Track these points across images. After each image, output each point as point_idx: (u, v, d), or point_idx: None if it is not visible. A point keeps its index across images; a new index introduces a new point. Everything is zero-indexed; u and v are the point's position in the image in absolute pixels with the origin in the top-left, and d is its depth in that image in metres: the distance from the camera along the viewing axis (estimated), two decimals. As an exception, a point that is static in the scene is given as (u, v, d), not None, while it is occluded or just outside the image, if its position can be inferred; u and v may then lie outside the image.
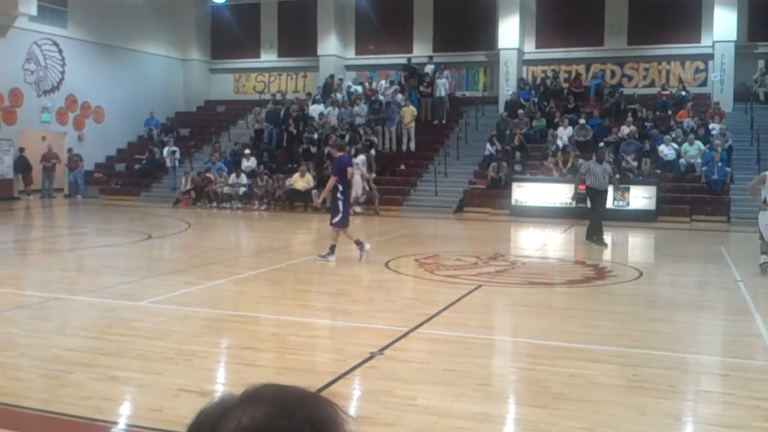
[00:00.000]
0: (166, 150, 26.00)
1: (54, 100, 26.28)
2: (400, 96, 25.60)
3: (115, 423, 4.97)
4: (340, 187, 11.82)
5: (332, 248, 11.89)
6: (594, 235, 14.88)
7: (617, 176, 16.52)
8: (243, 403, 1.06)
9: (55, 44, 26.20)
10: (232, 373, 6.11)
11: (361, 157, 21.35)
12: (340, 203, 11.79)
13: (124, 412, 5.25)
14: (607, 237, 14.96)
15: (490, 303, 9.39)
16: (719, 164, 20.21)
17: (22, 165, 24.68)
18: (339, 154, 12.57)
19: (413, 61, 27.90)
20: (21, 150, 24.66)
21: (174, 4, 30.99)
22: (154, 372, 5.82)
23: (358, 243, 11.91)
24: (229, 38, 31.94)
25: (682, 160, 21.24)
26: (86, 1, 26.84)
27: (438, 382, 5.71)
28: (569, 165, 21.08)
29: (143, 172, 26.77)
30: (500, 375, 6.27)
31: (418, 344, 6.97)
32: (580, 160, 15.88)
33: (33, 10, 24.34)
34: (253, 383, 1.11)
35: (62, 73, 26.57)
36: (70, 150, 26.37)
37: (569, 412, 5.07)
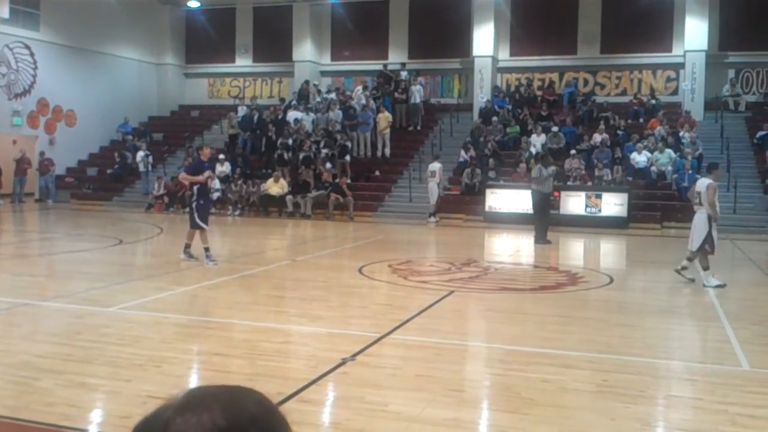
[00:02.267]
0: (139, 155, 25.78)
1: (25, 104, 25.98)
2: (373, 102, 25.65)
3: (83, 430, 4.90)
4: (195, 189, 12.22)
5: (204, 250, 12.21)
6: (543, 238, 15.84)
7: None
8: (185, 411, 1.04)
9: (27, 47, 25.90)
10: (203, 379, 6.06)
11: (437, 165, 21.25)
12: (194, 204, 12.19)
13: (92, 419, 5.19)
14: (574, 242, 15.17)
15: (462, 309, 9.41)
16: (690, 172, 20.46)
17: (-8, 169, 24.36)
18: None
19: (389, 67, 27.96)
20: (-9, 154, 24.35)
21: (148, 8, 30.80)
22: (122, 379, 5.76)
23: (206, 249, 12.13)
24: (204, 43, 31.78)
25: (653, 168, 21.49)
26: (59, 4, 26.58)
27: (410, 387, 5.71)
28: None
29: (115, 177, 26.53)
30: (472, 380, 6.29)
31: (390, 350, 6.97)
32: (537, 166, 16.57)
33: (5, 13, 24.08)
34: (187, 388, 1.09)
35: (34, 76, 26.27)
36: (41, 154, 26.07)
37: (540, 417, 5.10)
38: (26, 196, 25.61)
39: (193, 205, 12.24)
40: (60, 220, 21.49)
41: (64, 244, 16.02)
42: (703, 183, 10.94)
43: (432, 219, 21.00)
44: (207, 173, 12.23)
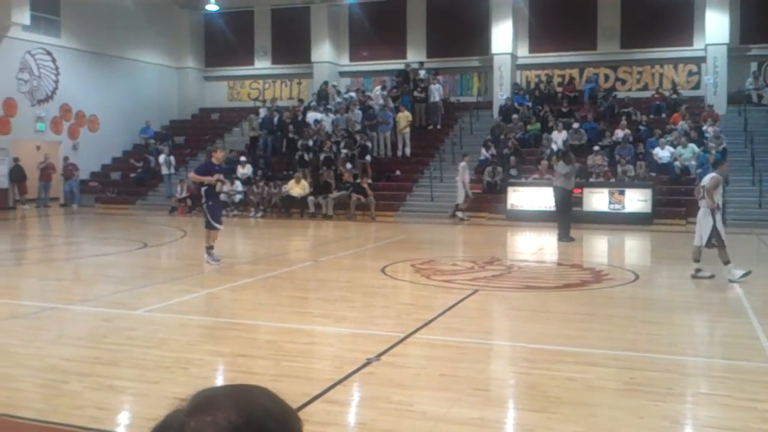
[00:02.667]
0: (161, 158, 25.98)
1: (48, 110, 26.26)
2: (392, 101, 25.65)
3: (112, 432, 4.95)
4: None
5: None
6: (566, 235, 15.75)
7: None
8: (198, 412, 1.04)
9: (49, 53, 26.18)
10: (229, 381, 6.09)
11: (462, 163, 21.24)
12: (205, 206, 12.40)
13: (120, 422, 5.24)
14: (598, 239, 15.06)
15: (486, 307, 9.38)
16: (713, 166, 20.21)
17: (17, 174, 24.66)
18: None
19: (417, 67, 27.96)
20: (16, 160, 24.65)
21: (167, 13, 31.03)
22: (150, 381, 5.81)
23: (211, 248, 12.35)
24: (223, 46, 31.96)
25: (676, 163, 21.29)
26: (79, 11, 26.85)
27: (435, 387, 5.70)
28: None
29: (139, 181, 26.75)
30: (497, 379, 6.26)
31: (414, 350, 6.96)
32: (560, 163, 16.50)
33: (26, 20, 24.37)
34: (200, 389, 1.09)
35: (56, 82, 26.55)
36: (65, 159, 26.36)
37: (567, 415, 5.07)
38: (51, 201, 25.91)
39: (204, 207, 12.40)
40: (85, 224, 21.71)
41: (90, 247, 16.17)
42: (708, 177, 10.91)
43: (459, 214, 20.93)
44: (216, 176, 12.34)
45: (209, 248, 12.31)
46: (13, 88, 24.91)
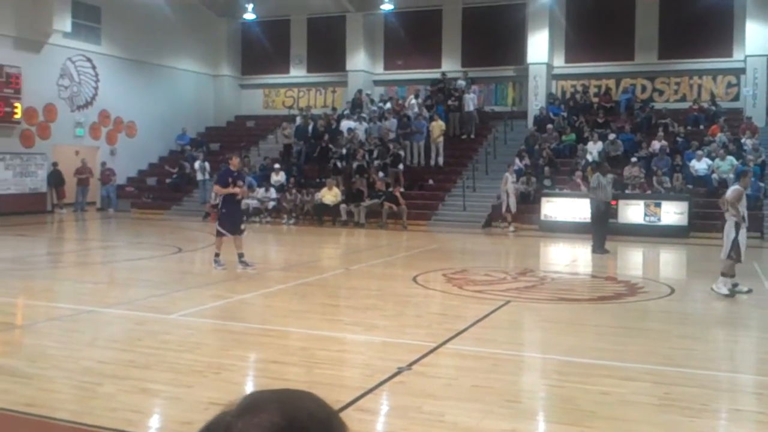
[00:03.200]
0: (196, 164, 26.26)
1: (87, 115, 26.71)
2: (426, 110, 25.65)
3: (145, 435, 5.00)
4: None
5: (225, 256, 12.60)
6: (600, 247, 15.69)
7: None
8: (245, 414, 1.07)
9: (89, 60, 26.64)
10: (261, 387, 6.11)
11: (506, 174, 21.08)
12: (221, 212, 12.58)
13: (153, 425, 5.29)
14: (633, 251, 14.89)
15: (519, 319, 9.32)
16: (752, 180, 19.89)
17: (55, 179, 25.10)
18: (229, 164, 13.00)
19: (447, 76, 27.96)
20: (54, 164, 25.08)
21: (205, 21, 31.42)
22: (183, 385, 5.86)
23: (217, 255, 12.50)
24: (259, 54, 32.25)
25: (714, 176, 20.98)
26: (119, 18, 27.30)
27: (466, 398, 5.67)
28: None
29: (174, 186, 27.05)
30: (529, 392, 6.21)
31: (446, 360, 6.93)
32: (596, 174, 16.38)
33: (67, 27, 24.84)
34: (251, 391, 1.12)
35: (95, 88, 27.00)
36: (103, 164, 26.78)
37: (600, 430, 5.01)
38: (88, 205, 26.32)
39: (218, 213, 12.63)
40: (120, 229, 22.01)
41: (125, 252, 16.39)
42: (730, 190, 10.78)
43: (505, 225, 20.89)
44: (239, 189, 12.54)
45: (240, 255, 12.45)
46: (54, 93, 25.38)
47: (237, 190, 12.54)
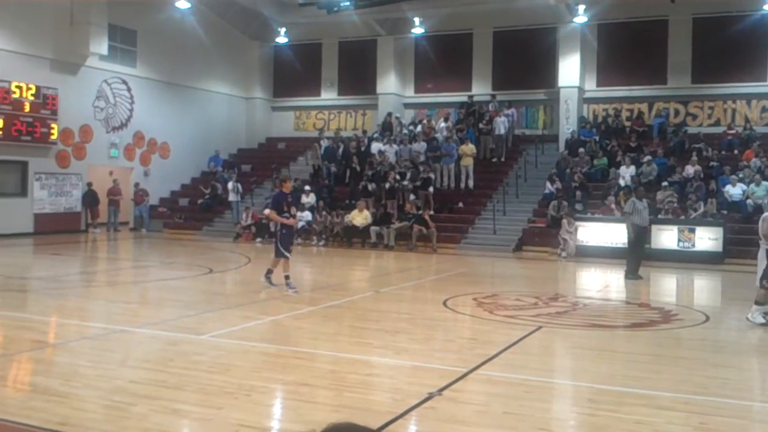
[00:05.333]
0: (229, 185, 26.51)
1: (122, 137, 27.14)
2: (455, 134, 25.68)
3: (175, 457, 5.01)
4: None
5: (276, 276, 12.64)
6: (634, 273, 15.56)
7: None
8: None
9: (124, 82, 27.11)
10: (290, 409, 6.11)
11: (564, 221, 20.65)
12: (281, 233, 12.55)
13: (183, 446, 5.29)
14: (667, 278, 14.69)
15: (550, 345, 9.21)
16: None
17: (89, 199, 25.48)
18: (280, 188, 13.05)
19: (475, 98, 28.02)
20: (89, 184, 25.48)
21: (238, 44, 31.87)
22: (214, 406, 5.87)
23: (286, 278, 12.48)
24: (291, 77, 32.60)
25: (749, 201, 20.68)
26: (155, 42, 27.80)
27: (497, 425, 5.61)
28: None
29: (206, 207, 27.31)
30: (561, 420, 6.12)
31: (476, 386, 6.87)
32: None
33: (104, 50, 25.34)
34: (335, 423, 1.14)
35: (130, 110, 27.45)
36: (136, 185, 27.16)
37: (634, 460, 4.91)
38: (121, 225, 26.66)
39: (278, 234, 12.55)
40: (153, 249, 22.23)
41: (157, 272, 16.54)
42: (762, 218, 10.61)
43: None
44: (293, 220, 12.78)
45: (286, 276, 12.41)
46: (90, 115, 25.84)
47: (293, 221, 12.88)
